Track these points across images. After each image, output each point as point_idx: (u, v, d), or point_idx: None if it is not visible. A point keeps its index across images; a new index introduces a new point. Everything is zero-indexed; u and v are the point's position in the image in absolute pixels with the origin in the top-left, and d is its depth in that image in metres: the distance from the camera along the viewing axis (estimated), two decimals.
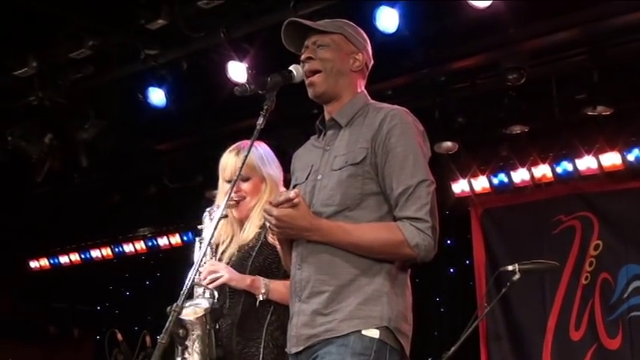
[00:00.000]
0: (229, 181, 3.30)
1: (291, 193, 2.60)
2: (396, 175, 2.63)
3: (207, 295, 3.14)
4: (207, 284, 3.15)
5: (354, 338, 2.55)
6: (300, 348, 2.65)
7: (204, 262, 3.19)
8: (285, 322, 2.86)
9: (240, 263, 3.27)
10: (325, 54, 2.77)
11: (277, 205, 2.60)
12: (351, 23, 2.88)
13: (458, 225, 7.22)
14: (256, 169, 3.34)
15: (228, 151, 3.41)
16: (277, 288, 3.18)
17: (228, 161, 3.35)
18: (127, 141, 7.28)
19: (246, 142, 3.23)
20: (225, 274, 3.17)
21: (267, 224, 2.70)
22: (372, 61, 2.90)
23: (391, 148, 2.65)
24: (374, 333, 2.56)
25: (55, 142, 6.79)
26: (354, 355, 2.54)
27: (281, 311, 3.17)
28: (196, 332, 3.03)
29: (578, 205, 6.71)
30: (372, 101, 2.84)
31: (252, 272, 3.24)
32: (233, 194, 3.22)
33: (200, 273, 3.17)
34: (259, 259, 3.27)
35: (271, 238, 3.09)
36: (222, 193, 3.36)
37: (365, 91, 2.86)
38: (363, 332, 2.56)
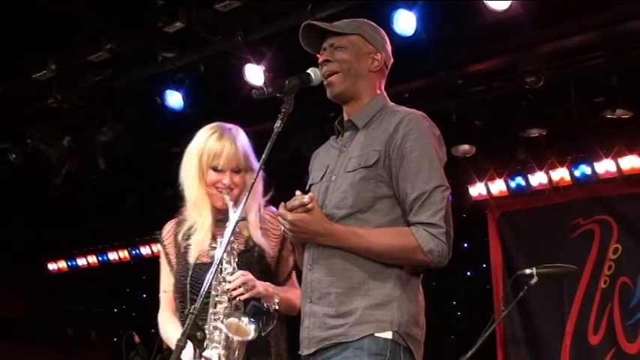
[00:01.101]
0: (220, 170, 3.02)
1: (306, 198, 2.60)
2: (411, 180, 2.62)
3: (241, 309, 2.86)
4: (238, 295, 2.86)
5: (369, 340, 2.57)
6: (312, 350, 2.66)
7: (232, 270, 2.91)
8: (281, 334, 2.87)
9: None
10: (342, 56, 2.76)
11: (292, 210, 2.61)
12: (370, 22, 2.87)
13: (475, 228, 7.20)
14: (249, 161, 3.07)
15: (215, 136, 3.08)
16: (284, 297, 2.94)
17: (224, 148, 3.03)
18: (145, 144, 7.30)
19: (230, 126, 3.10)
20: (258, 286, 2.90)
21: (282, 228, 2.71)
22: (392, 60, 2.88)
23: (406, 153, 2.64)
24: (387, 334, 2.57)
25: (74, 145, 6.83)
26: (372, 356, 2.55)
27: (279, 324, 2.98)
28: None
29: (597, 209, 6.66)
30: (391, 103, 2.83)
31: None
32: (223, 185, 3.01)
33: (226, 281, 2.89)
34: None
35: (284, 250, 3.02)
36: (199, 180, 3.06)
37: (384, 93, 2.85)
38: (376, 334, 2.57)
